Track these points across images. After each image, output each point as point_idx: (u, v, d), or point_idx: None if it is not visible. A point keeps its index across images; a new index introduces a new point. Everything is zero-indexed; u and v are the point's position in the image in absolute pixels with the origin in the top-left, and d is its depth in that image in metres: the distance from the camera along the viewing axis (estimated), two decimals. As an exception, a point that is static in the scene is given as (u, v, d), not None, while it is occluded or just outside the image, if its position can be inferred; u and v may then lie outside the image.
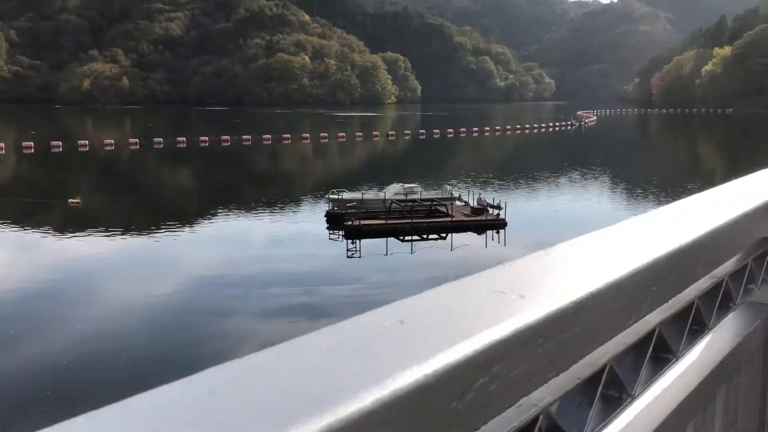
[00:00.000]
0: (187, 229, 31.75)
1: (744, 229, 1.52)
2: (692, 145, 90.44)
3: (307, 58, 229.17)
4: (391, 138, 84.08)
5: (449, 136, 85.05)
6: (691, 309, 1.41)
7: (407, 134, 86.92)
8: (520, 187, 44.05)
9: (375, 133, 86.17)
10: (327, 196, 32.13)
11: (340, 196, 30.93)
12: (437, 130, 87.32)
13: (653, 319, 1.21)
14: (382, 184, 36.87)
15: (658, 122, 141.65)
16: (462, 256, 26.17)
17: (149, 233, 30.51)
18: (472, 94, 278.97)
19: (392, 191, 31.67)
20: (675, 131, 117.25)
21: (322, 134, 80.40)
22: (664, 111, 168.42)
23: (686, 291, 1.31)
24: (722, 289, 1.61)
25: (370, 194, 32.41)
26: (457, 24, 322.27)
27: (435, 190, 34.07)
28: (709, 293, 1.55)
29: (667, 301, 1.16)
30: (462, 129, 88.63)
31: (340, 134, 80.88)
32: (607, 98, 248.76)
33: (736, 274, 1.73)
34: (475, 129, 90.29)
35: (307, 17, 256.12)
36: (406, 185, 32.42)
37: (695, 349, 1.49)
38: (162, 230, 30.74)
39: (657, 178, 48.03)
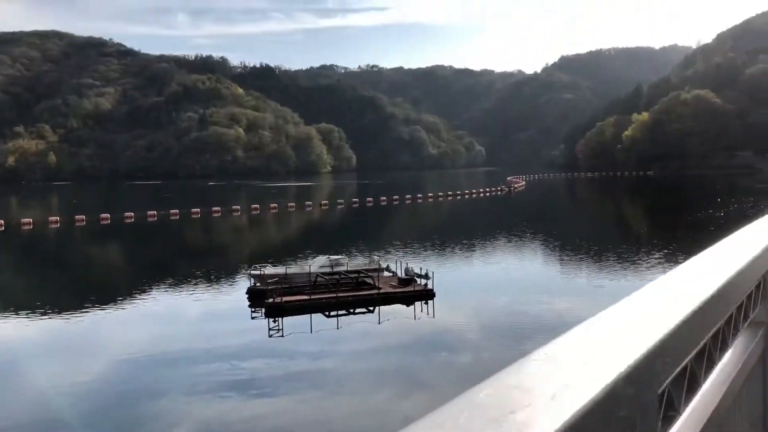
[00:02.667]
0: (102, 309, 29.81)
1: (753, 270, 2.12)
2: (617, 206, 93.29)
3: (241, 130, 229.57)
4: (325, 207, 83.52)
5: (383, 203, 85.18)
6: (718, 333, 1.87)
7: (341, 203, 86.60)
8: (451, 255, 43.74)
9: (308, 202, 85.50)
10: (248, 271, 30.85)
11: (262, 272, 29.71)
12: (371, 199, 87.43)
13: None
14: (312, 256, 35.92)
15: (584, 185, 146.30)
16: (389, 330, 25.24)
17: (60, 315, 28.47)
18: (406, 161, 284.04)
19: (318, 264, 30.69)
20: (601, 193, 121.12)
21: (253, 206, 79.16)
22: (589, 174, 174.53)
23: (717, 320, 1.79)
24: (740, 314, 2.19)
25: (295, 268, 31.33)
26: (389, 95, 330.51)
27: (363, 260, 33.28)
28: (727, 321, 2.00)
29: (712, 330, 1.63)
30: (395, 196, 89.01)
31: (272, 205, 79.82)
32: (536, 163, 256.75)
33: (745, 301, 2.29)
34: (408, 196, 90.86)
35: (240, 90, 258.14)
36: (333, 257, 31.55)
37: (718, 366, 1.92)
38: (76, 311, 28.74)
39: (584, 240, 48.67)
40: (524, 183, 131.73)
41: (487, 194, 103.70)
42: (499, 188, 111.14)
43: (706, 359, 1.75)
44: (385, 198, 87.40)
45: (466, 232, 55.35)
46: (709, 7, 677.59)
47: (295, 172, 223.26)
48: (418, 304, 28.09)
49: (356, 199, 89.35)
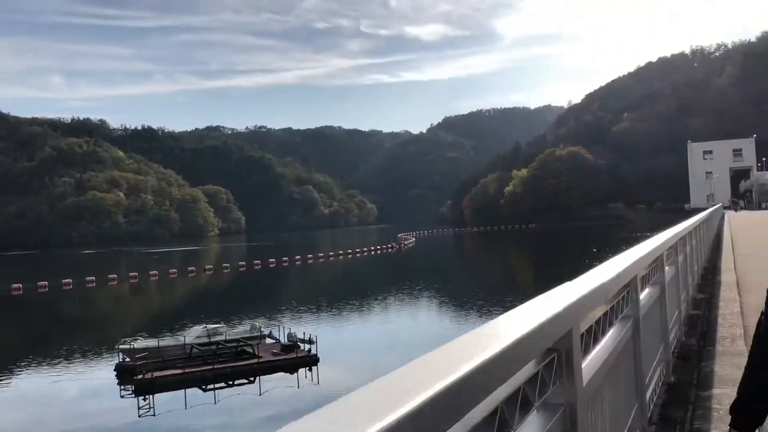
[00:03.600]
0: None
1: (533, 342, 1.88)
2: (502, 259, 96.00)
3: (121, 194, 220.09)
4: (209, 272, 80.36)
5: (272, 266, 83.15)
6: (496, 413, 1.67)
7: (227, 267, 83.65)
8: (339, 316, 42.68)
9: (191, 268, 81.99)
10: (117, 346, 28.38)
11: (132, 345, 27.44)
12: (258, 261, 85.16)
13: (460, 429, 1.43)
14: (190, 324, 33.78)
15: (471, 240, 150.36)
16: (270, 401, 23.76)
17: None
18: (297, 221, 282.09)
19: (194, 334, 28.78)
20: (486, 247, 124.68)
21: (131, 274, 74.89)
22: (476, 229, 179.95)
23: (489, 399, 1.57)
24: (521, 394, 1.92)
25: (169, 339, 29.21)
26: (277, 156, 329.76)
27: (244, 328, 31.59)
28: (510, 399, 1.82)
29: (470, 411, 1.39)
30: (285, 258, 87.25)
31: (152, 272, 75.77)
32: (426, 219, 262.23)
33: (532, 380, 2.09)
34: (298, 257, 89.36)
35: (121, 153, 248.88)
36: (210, 326, 29.72)
37: None
38: None
39: (471, 294, 49.16)
40: (414, 239, 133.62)
41: (378, 252, 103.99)
42: (389, 245, 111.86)
43: None
44: (273, 260, 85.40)
45: (355, 292, 54.62)
46: (578, 69, 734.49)
47: (181, 235, 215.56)
48: (302, 370, 26.81)
49: (243, 263, 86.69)
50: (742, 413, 2.91)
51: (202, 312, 42.87)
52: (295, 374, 26.50)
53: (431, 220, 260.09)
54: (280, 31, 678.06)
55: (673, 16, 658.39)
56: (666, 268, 6.81)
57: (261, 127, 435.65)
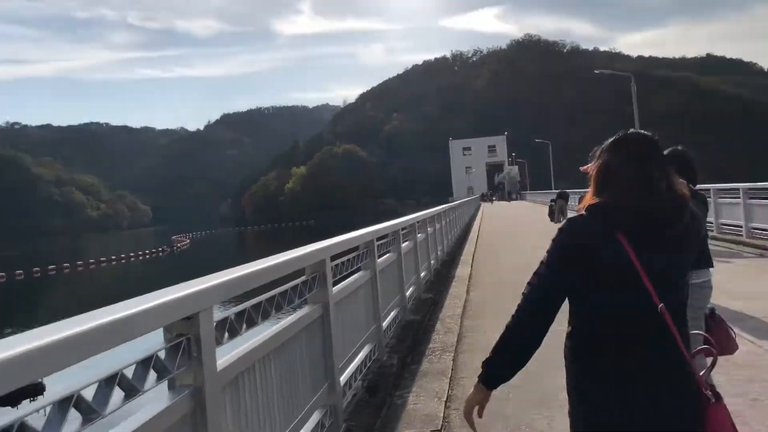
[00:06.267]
0: None
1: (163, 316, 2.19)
2: (276, 253, 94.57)
3: None
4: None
5: (19, 278, 73.45)
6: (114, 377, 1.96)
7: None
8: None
9: None
10: None
11: None
12: (2, 274, 74.69)
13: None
14: None
15: (250, 238, 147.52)
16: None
17: None
18: (61, 226, 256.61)
19: None
20: (263, 245, 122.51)
21: None
22: (257, 227, 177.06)
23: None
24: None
25: None
26: (35, 155, 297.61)
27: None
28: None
29: None
30: (36, 268, 77.66)
31: None
32: (207, 219, 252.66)
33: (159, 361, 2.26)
34: (52, 267, 80.00)
35: None
36: None
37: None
38: None
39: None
40: (188, 241, 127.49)
41: (147, 256, 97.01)
42: (160, 249, 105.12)
43: None
44: (21, 272, 75.45)
45: (101, 303, 49.48)
46: (353, 70, 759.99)
47: None
48: (25, 402, 22.75)
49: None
50: (494, 362, 2.42)
51: None
52: (18, 407, 22.41)
53: (213, 219, 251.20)
54: (34, 19, 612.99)
55: (436, 22, 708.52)
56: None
57: (15, 123, 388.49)
